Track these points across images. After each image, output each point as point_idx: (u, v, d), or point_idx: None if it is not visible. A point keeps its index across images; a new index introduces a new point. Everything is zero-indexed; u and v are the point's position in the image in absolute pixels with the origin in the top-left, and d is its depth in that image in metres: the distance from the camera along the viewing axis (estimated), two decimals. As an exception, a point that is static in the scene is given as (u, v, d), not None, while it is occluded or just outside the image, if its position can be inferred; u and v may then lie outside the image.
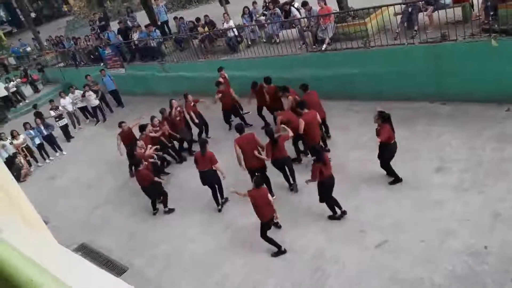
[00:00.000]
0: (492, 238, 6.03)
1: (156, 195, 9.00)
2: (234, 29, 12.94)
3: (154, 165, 9.48)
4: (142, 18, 18.18)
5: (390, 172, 7.77)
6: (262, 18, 12.83)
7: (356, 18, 10.67)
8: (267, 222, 6.87)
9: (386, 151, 7.61)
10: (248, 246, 7.47)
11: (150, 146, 9.39)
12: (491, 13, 8.51)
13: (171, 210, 9.02)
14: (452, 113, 9.09)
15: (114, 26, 18.30)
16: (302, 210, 7.82)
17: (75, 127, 15.27)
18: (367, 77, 10.08)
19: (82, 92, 14.83)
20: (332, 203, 7.23)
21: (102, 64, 16.72)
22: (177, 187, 9.71)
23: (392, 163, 7.73)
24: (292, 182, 8.30)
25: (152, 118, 10.24)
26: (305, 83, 9.14)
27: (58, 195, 11.25)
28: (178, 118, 10.49)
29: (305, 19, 11.39)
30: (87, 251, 8.48)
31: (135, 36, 15.60)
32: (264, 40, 12.75)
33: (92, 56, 17.63)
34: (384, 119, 7.52)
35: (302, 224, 7.48)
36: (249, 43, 13.09)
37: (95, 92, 14.79)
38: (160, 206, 9.15)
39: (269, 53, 11.70)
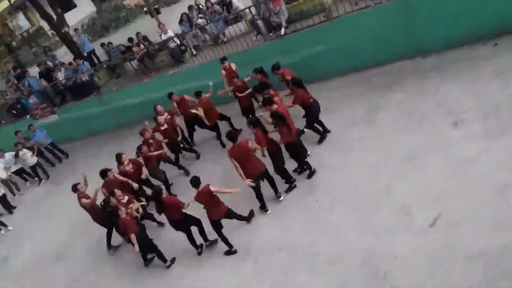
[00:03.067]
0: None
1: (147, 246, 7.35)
2: (175, 38, 11.57)
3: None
4: (64, 54, 16.18)
5: (316, 131, 7.93)
6: (202, 20, 11.56)
7: (307, -7, 9.80)
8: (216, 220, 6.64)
9: (309, 112, 7.76)
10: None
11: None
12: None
13: (173, 260, 7.35)
14: (438, 64, 8.47)
15: (34, 71, 16.07)
16: (325, 211, 6.70)
17: (14, 195, 12.97)
18: (334, 52, 9.27)
19: (13, 153, 12.62)
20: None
21: (28, 116, 14.50)
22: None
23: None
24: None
25: (119, 155, 8.39)
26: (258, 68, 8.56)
27: (18, 279, 9.14)
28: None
29: (253, 8, 10.29)
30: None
31: (60, 75, 13.68)
32: (211, 43, 11.53)
33: (14, 111, 15.26)
34: (296, 85, 7.55)
35: (335, 227, 6.32)
36: (193, 52, 11.73)
37: (30, 149, 12.64)
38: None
39: (221, 54, 10.50)
